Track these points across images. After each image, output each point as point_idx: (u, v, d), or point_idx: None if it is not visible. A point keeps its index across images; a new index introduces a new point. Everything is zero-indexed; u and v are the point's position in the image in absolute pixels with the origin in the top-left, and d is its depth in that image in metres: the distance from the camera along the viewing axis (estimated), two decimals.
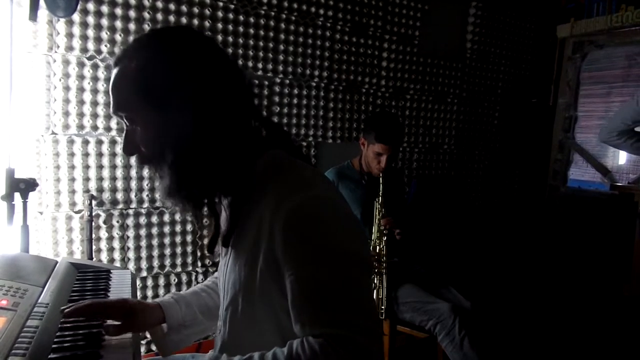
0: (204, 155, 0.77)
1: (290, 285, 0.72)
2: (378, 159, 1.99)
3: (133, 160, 1.95)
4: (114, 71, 0.79)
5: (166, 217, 2.05)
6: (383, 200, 1.94)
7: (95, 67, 1.83)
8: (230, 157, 0.79)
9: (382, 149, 1.95)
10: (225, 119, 0.78)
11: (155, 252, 2.03)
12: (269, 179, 0.79)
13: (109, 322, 0.88)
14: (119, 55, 0.79)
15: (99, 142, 1.87)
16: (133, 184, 1.96)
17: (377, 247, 1.91)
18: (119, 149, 1.91)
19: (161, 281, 2.06)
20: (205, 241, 2.16)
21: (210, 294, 1.06)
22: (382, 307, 1.84)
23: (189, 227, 2.11)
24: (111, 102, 0.79)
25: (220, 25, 2.10)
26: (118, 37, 1.87)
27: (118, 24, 1.86)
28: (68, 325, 0.86)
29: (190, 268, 2.13)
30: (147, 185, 1.99)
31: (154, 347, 2.03)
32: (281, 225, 0.72)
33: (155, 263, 2.04)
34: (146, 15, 1.92)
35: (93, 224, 1.83)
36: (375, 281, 1.87)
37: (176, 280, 2.10)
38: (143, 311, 0.91)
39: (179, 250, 2.09)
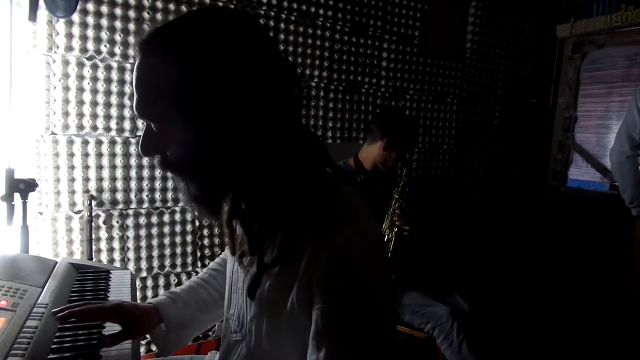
0: (240, 169, 0.68)
1: (316, 318, 0.67)
2: (399, 158, 2.05)
3: (133, 160, 1.95)
4: (138, 65, 0.66)
5: (166, 218, 2.05)
6: (401, 191, 1.99)
7: (94, 67, 1.83)
8: (270, 173, 0.70)
9: (409, 149, 2.02)
10: (266, 130, 0.67)
11: (155, 253, 2.03)
12: (314, 204, 0.71)
13: (105, 333, 0.87)
14: (144, 43, 0.66)
15: (99, 143, 1.87)
16: (133, 184, 1.96)
17: (386, 237, 1.93)
18: (118, 149, 1.91)
19: (161, 281, 2.06)
20: (206, 241, 2.16)
21: (207, 288, 1.03)
22: None
23: (188, 228, 2.11)
24: (136, 100, 0.68)
25: None
26: (118, 38, 1.87)
27: (118, 24, 1.86)
28: (67, 325, 0.86)
29: (190, 268, 2.13)
30: (147, 185, 1.99)
31: (154, 347, 2.03)
32: (324, 262, 0.66)
33: (155, 263, 2.03)
34: (146, 15, 1.92)
35: (93, 224, 1.83)
36: None
37: (176, 280, 2.09)
38: (140, 317, 0.89)
39: (178, 250, 2.09)
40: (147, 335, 0.94)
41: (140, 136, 0.71)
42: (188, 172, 0.69)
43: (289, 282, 0.70)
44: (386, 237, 1.95)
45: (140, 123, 1.92)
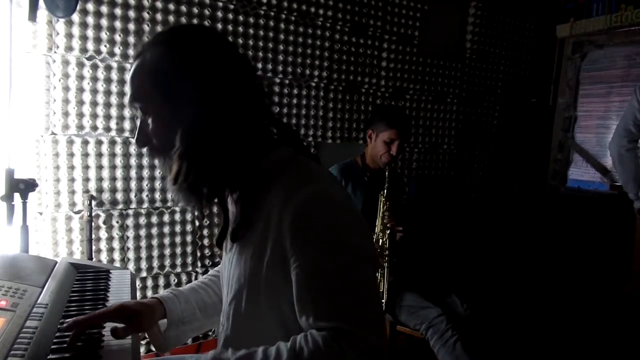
0: (214, 149, 0.78)
1: (295, 277, 0.72)
2: (388, 148, 1.99)
3: (133, 161, 1.95)
4: (134, 63, 0.81)
5: (166, 218, 2.05)
6: (388, 193, 1.95)
7: (94, 67, 1.83)
8: (239, 152, 0.81)
9: (394, 134, 1.96)
10: (236, 115, 0.79)
11: (155, 253, 2.03)
12: (277, 175, 0.80)
13: (105, 333, 0.86)
14: (139, 49, 0.83)
15: (99, 143, 1.87)
16: (133, 185, 1.96)
17: (380, 241, 1.93)
18: (118, 149, 1.91)
19: (161, 281, 2.06)
20: (206, 241, 2.16)
21: (207, 291, 1.06)
22: (382, 301, 1.86)
23: (188, 228, 2.11)
24: (128, 92, 0.82)
25: (220, 26, 2.10)
26: (117, 38, 1.87)
27: (117, 24, 1.86)
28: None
29: (190, 268, 2.13)
30: (146, 185, 1.99)
31: (153, 347, 2.03)
32: (290, 217, 0.72)
33: (155, 263, 2.03)
34: (145, 15, 1.92)
35: (93, 224, 1.83)
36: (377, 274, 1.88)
37: (176, 280, 2.09)
38: (145, 311, 0.90)
39: (178, 250, 2.09)
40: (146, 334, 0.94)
41: (137, 129, 0.82)
42: (168, 151, 0.79)
43: (262, 249, 0.77)
44: (380, 240, 1.93)
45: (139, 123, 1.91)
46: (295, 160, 0.84)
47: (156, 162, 0.85)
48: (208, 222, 2.16)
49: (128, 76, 0.82)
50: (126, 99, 1.90)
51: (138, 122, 0.83)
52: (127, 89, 0.82)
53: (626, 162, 2.22)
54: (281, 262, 0.74)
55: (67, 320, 0.84)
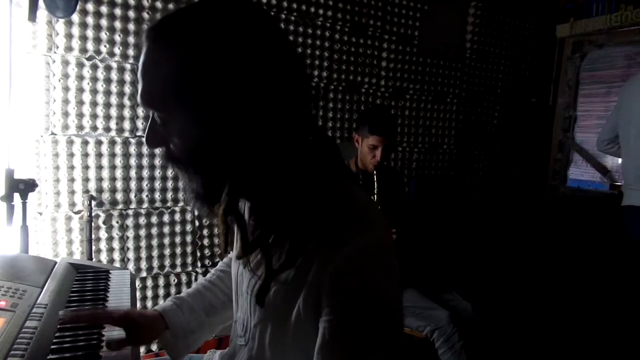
0: (249, 166, 0.65)
1: (322, 329, 0.65)
2: (373, 153, 1.97)
3: (133, 161, 1.95)
4: (149, 48, 0.64)
5: (166, 218, 2.05)
6: (378, 198, 1.94)
7: (94, 67, 1.83)
8: (279, 170, 0.67)
9: (376, 140, 1.94)
10: (276, 128, 0.65)
11: (155, 253, 2.03)
12: (323, 207, 0.68)
13: (107, 335, 0.86)
14: (158, 27, 0.64)
15: (99, 143, 1.87)
16: (132, 185, 1.96)
17: None
18: (118, 149, 1.91)
19: (161, 281, 2.06)
20: (206, 241, 2.16)
21: (214, 291, 1.01)
22: None
23: (188, 228, 2.11)
24: (140, 90, 0.65)
25: None
26: (117, 38, 1.87)
27: (117, 24, 1.86)
28: (67, 326, 0.86)
29: (190, 268, 2.13)
30: (146, 185, 1.99)
31: (154, 347, 2.03)
32: (335, 267, 0.63)
33: (155, 263, 2.03)
34: (145, 15, 1.92)
35: (92, 224, 1.83)
36: None
37: (176, 280, 2.09)
38: (146, 325, 0.88)
39: (178, 250, 2.09)
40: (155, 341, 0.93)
41: (140, 135, 0.73)
42: (190, 166, 0.67)
43: (297, 289, 0.67)
44: None
45: (140, 123, 1.92)
46: (342, 192, 0.72)
47: (156, 162, 0.78)
48: (208, 222, 2.16)
49: (139, 69, 0.65)
50: (126, 100, 1.90)
51: (148, 121, 0.69)
52: (139, 85, 0.66)
53: (614, 154, 2.44)
54: (313, 310, 0.66)
55: (68, 313, 0.83)
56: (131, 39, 1.89)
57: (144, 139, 0.70)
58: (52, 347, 0.79)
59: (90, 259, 1.78)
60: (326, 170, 0.73)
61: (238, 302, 0.84)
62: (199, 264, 2.16)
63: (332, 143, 0.77)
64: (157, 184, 2.01)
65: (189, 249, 2.12)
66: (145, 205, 2.00)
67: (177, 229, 2.08)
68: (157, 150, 0.70)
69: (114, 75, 1.88)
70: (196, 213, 2.11)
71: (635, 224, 2.25)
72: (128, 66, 1.90)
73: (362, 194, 0.73)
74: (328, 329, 0.64)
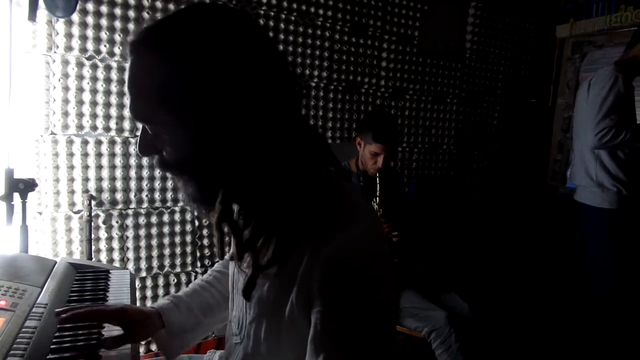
0: (238, 167, 0.67)
1: (314, 320, 0.67)
2: (375, 159, 1.98)
3: (132, 160, 1.95)
4: (133, 61, 0.65)
5: (165, 218, 2.05)
6: (380, 201, 1.94)
7: (94, 67, 1.83)
8: (268, 171, 0.69)
9: (379, 148, 1.95)
10: (264, 127, 0.66)
11: (155, 253, 2.03)
12: (313, 203, 0.70)
13: (106, 335, 0.86)
14: (139, 39, 0.65)
15: (98, 143, 1.87)
16: (132, 184, 1.96)
17: None
18: (118, 149, 1.91)
19: (160, 281, 2.06)
20: (205, 241, 2.16)
21: (211, 291, 1.02)
22: None
23: (188, 228, 2.11)
24: (129, 102, 0.67)
25: None
26: (117, 38, 1.87)
27: (117, 24, 1.86)
28: (67, 325, 0.86)
29: (189, 268, 2.13)
30: (146, 185, 1.99)
31: (153, 347, 2.03)
32: (323, 263, 0.65)
33: (155, 263, 2.03)
34: (145, 15, 1.92)
35: (92, 224, 1.83)
36: None
37: (175, 280, 2.09)
38: (143, 321, 0.88)
39: (178, 250, 2.09)
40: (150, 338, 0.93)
41: (139, 136, 0.71)
42: (185, 172, 0.69)
43: (288, 284, 0.69)
44: None
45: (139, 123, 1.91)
46: (333, 188, 0.74)
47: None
48: (208, 222, 2.16)
49: (126, 81, 0.67)
50: (126, 99, 1.90)
51: (140, 131, 0.70)
52: (127, 97, 0.67)
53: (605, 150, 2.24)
54: (306, 303, 0.68)
55: (64, 311, 0.82)
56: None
57: (137, 148, 0.72)
58: (52, 346, 0.79)
59: (90, 258, 1.78)
60: (316, 166, 0.75)
61: (234, 301, 0.86)
62: (198, 264, 2.16)
63: (323, 140, 0.79)
64: (157, 184, 2.01)
65: (188, 249, 2.12)
66: (145, 205, 2.00)
67: (177, 229, 2.08)
68: (149, 158, 0.72)
69: (113, 75, 1.87)
70: (196, 213, 2.11)
71: (581, 219, 2.37)
72: (128, 66, 1.89)
73: (351, 190, 0.74)
74: (319, 320, 0.66)
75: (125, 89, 0.68)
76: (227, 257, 1.07)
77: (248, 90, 0.63)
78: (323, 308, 0.66)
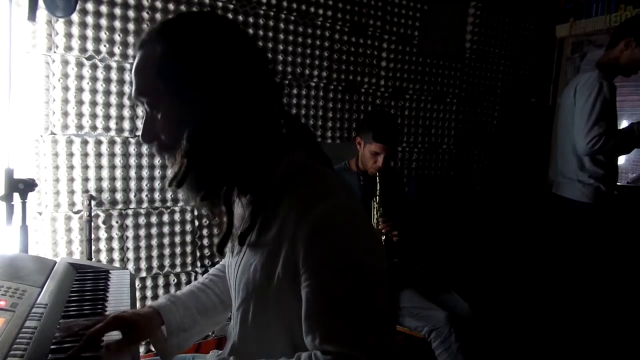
0: (223, 148, 0.75)
1: (305, 296, 0.70)
2: (375, 159, 1.98)
3: (132, 160, 1.95)
4: (138, 54, 0.77)
5: (165, 218, 2.05)
6: (380, 200, 1.94)
7: (94, 67, 1.83)
8: (251, 153, 0.77)
9: (379, 148, 1.95)
10: (249, 113, 0.75)
11: (155, 253, 2.03)
12: (292, 183, 0.77)
13: (106, 339, 0.84)
14: (144, 38, 0.77)
15: (98, 143, 1.87)
16: (132, 184, 1.96)
17: None
18: (118, 149, 1.91)
19: (160, 281, 2.06)
20: (205, 241, 2.16)
21: (207, 293, 1.04)
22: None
23: (188, 228, 2.11)
24: (133, 86, 0.77)
25: None
26: (117, 38, 1.87)
27: (117, 24, 1.86)
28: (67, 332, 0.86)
29: (189, 268, 2.13)
30: (146, 185, 1.99)
31: (153, 347, 2.03)
32: (305, 234, 0.70)
33: (155, 263, 2.03)
34: (145, 15, 1.92)
35: (92, 224, 1.82)
36: None
37: (175, 280, 2.09)
38: (140, 322, 0.88)
39: (178, 250, 2.08)
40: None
41: (139, 136, 0.77)
42: (177, 148, 0.75)
43: (274, 259, 0.74)
44: None
45: (139, 123, 1.91)
46: (311, 169, 0.80)
47: (156, 162, 0.82)
48: (208, 222, 2.16)
49: (133, 67, 0.77)
50: (126, 99, 1.90)
51: (144, 118, 0.78)
52: (132, 81, 0.77)
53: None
54: (292, 276, 0.72)
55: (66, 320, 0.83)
56: (131, 39, 1.89)
57: (140, 136, 0.80)
58: (52, 347, 0.79)
59: (90, 258, 1.78)
60: (297, 150, 0.82)
61: (231, 297, 0.88)
62: (198, 264, 2.15)
63: (305, 127, 0.87)
64: (157, 184, 2.01)
65: (188, 249, 2.11)
66: (145, 205, 2.00)
67: (177, 229, 2.08)
68: (149, 158, 0.79)
69: (113, 75, 1.87)
70: (196, 213, 2.11)
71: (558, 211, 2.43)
72: (128, 66, 1.90)
73: (327, 170, 0.83)
74: (310, 294, 0.70)
75: (132, 73, 0.77)
76: (224, 261, 1.09)
77: (233, 77, 0.74)
78: (312, 280, 0.70)
